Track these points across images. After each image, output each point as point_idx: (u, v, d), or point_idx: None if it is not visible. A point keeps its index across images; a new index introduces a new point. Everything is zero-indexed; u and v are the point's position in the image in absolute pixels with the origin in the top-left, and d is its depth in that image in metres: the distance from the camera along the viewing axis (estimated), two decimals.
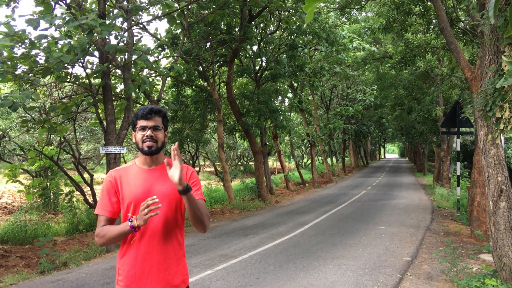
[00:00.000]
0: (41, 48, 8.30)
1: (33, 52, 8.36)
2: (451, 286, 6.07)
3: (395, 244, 8.90)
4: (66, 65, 8.84)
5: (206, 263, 7.48)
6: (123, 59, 10.18)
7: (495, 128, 5.39)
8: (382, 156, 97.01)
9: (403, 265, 7.21)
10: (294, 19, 15.37)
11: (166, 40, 14.86)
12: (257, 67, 19.23)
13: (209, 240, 9.75)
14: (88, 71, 10.23)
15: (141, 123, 2.47)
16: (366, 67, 25.16)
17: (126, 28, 9.99)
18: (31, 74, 8.88)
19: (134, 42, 10.38)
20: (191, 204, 2.34)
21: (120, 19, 10.04)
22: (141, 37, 12.75)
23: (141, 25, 13.16)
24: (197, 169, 27.82)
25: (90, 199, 11.60)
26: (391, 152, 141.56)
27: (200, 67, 16.03)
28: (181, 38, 13.47)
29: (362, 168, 48.45)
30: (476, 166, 9.40)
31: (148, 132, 2.45)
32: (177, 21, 12.51)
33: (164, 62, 19.05)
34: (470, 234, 9.73)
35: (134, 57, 9.55)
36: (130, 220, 2.33)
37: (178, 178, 2.26)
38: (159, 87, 13.13)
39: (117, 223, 2.48)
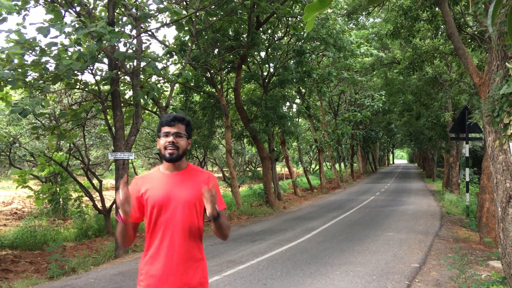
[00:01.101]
0: (51, 55, 8.42)
1: (43, 59, 8.49)
2: None
3: (403, 251, 8.86)
4: (75, 72, 8.96)
5: (213, 269, 7.50)
6: (131, 66, 10.28)
7: (503, 134, 5.37)
8: (391, 162, 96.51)
9: (411, 272, 7.17)
10: (302, 25, 15.41)
11: (175, 47, 14.97)
12: (265, 73, 19.28)
13: (216, 245, 9.77)
14: (98, 78, 10.34)
15: (165, 129, 2.59)
16: (374, 72, 25.10)
17: (135, 35, 10.09)
18: (41, 81, 9.00)
19: (143, 49, 10.47)
20: (219, 227, 2.55)
21: (129, 27, 10.16)
22: (150, 44, 12.86)
23: (150, 32, 13.27)
24: None
25: (99, 205, 11.68)
26: (400, 158, 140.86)
27: (208, 74, 16.11)
28: (189, 44, 13.56)
29: (370, 174, 48.25)
30: (485, 172, 9.34)
31: (170, 138, 2.56)
32: (185, 28, 12.62)
33: (173, 69, 19.22)
34: (479, 241, 9.65)
35: (142, 64, 9.64)
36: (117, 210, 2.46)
37: (211, 210, 2.45)
38: (167, 93, 13.23)
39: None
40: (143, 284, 2.52)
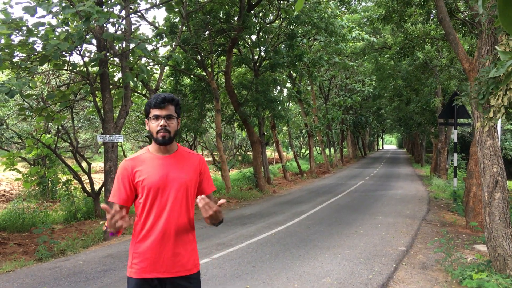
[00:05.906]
0: (39, 35, 8.27)
1: (31, 39, 8.34)
2: (445, 275, 6.13)
3: (391, 234, 8.96)
4: (63, 52, 8.82)
5: (203, 252, 7.53)
6: (121, 48, 10.14)
7: (485, 116, 5.40)
8: (380, 147, 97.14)
9: (398, 255, 7.27)
10: (293, 8, 15.27)
11: (164, 28, 14.79)
12: (256, 57, 19.16)
13: (206, 229, 9.80)
14: (86, 59, 10.21)
15: (154, 112, 2.51)
16: (365, 57, 25.04)
17: (124, 16, 9.94)
18: (28, 62, 8.86)
19: (132, 30, 10.33)
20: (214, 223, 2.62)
21: (118, 7, 9.99)
22: (139, 25, 12.68)
23: (139, 13, 13.07)
24: None
25: (88, 188, 11.63)
26: (389, 143, 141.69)
27: (199, 56, 15.97)
28: (180, 26, 13.41)
29: (360, 159, 48.54)
30: (472, 157, 9.43)
31: (162, 122, 2.50)
32: (176, 10, 12.45)
33: (162, 51, 18.97)
34: (465, 225, 9.80)
35: (132, 45, 9.50)
36: (106, 228, 2.42)
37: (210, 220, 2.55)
38: (157, 76, 13.10)
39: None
40: (137, 267, 2.50)
